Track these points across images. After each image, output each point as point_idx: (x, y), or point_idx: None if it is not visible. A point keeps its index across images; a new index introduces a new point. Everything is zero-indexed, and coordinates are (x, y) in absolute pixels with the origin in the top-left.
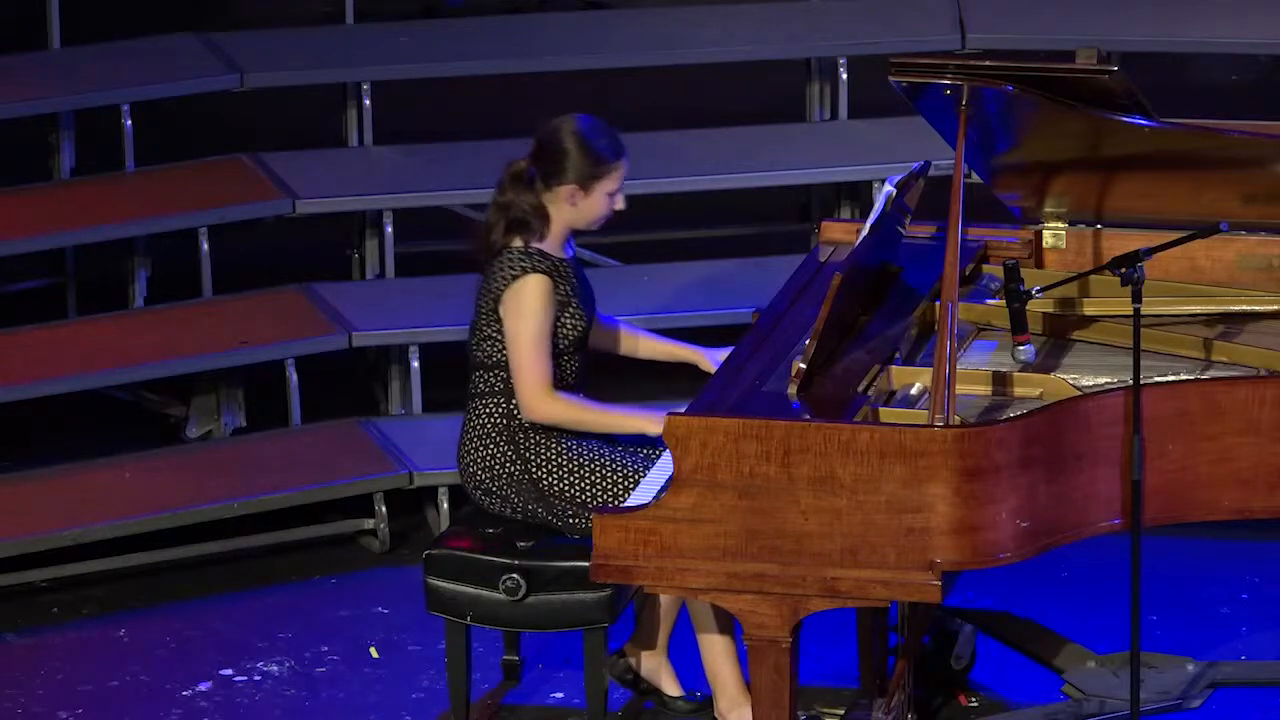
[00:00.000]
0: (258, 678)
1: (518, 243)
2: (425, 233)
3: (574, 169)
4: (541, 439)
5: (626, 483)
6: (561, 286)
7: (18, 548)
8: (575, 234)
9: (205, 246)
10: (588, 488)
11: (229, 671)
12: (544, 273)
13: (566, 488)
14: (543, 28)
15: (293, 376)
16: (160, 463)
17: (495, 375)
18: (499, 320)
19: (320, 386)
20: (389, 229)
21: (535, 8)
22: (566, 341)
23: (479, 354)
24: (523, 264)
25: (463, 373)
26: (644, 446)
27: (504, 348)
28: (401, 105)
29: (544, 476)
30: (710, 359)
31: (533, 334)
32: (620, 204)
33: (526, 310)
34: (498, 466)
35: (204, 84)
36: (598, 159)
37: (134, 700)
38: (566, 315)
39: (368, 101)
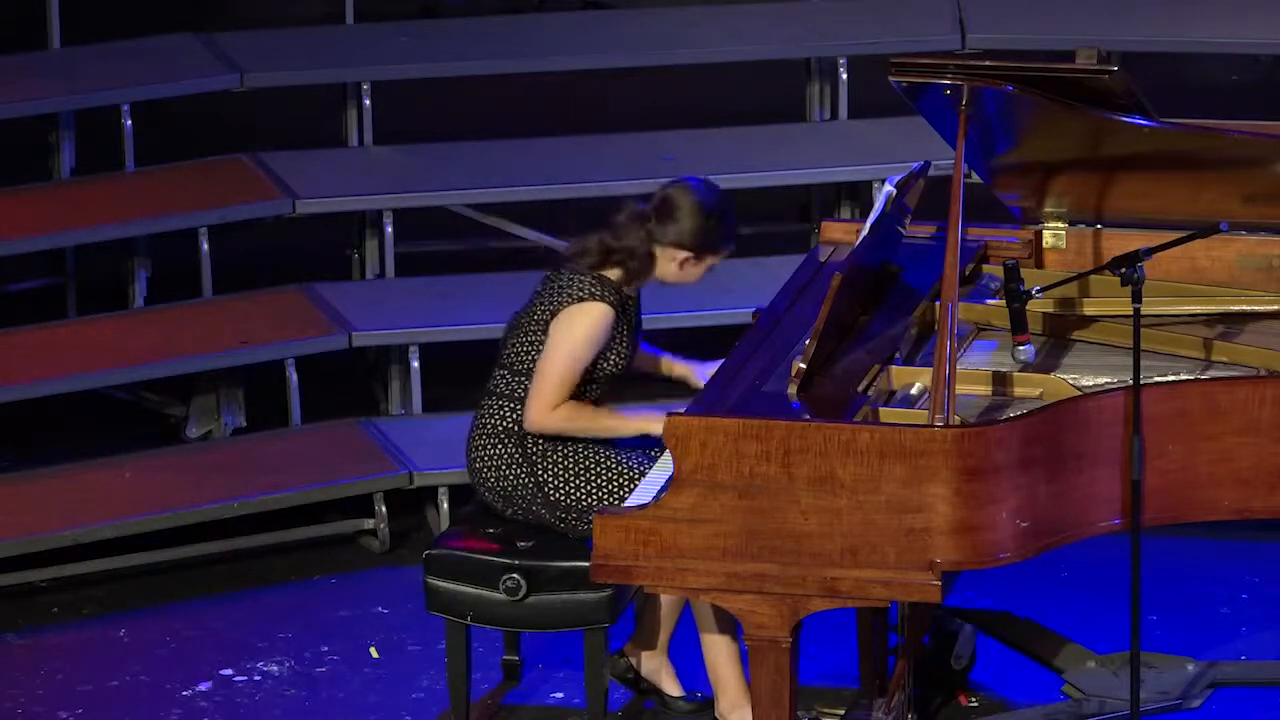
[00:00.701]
0: (258, 678)
1: (608, 273)
2: (425, 233)
3: (694, 241)
4: (549, 445)
5: (631, 486)
6: (620, 324)
7: (18, 548)
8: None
9: (205, 246)
10: (594, 491)
11: (229, 671)
12: (612, 306)
13: (572, 491)
14: (543, 28)
15: (293, 376)
16: (160, 463)
17: (519, 380)
18: (545, 331)
19: (320, 386)
20: (389, 229)
21: (535, 8)
22: (603, 374)
23: (511, 355)
24: (594, 289)
25: (463, 373)
26: (650, 446)
27: (537, 357)
28: (401, 105)
29: (549, 480)
30: (699, 375)
31: (572, 357)
32: (701, 277)
33: (578, 334)
34: (504, 468)
35: (204, 84)
36: (717, 238)
37: (134, 700)
38: (612, 352)
39: (368, 101)
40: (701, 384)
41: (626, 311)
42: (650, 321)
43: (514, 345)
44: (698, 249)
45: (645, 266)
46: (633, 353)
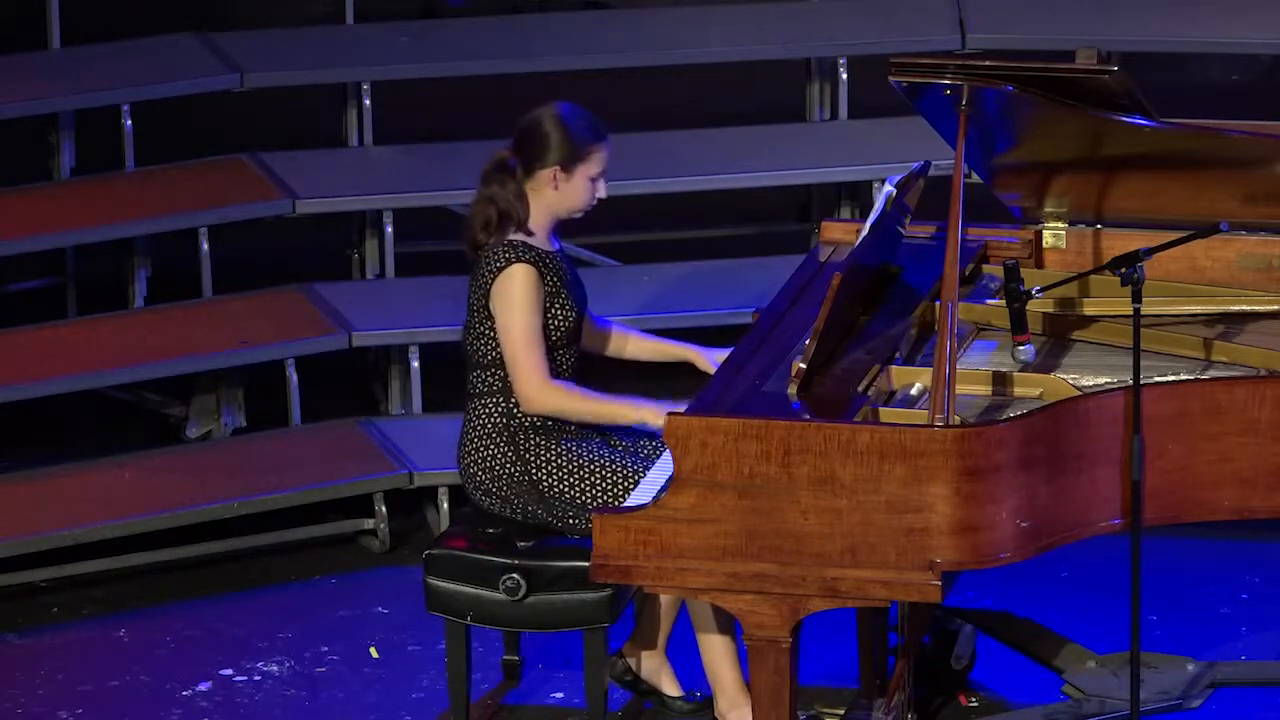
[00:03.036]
0: (258, 678)
1: (512, 237)
2: (425, 233)
3: (555, 151)
4: (542, 440)
5: (626, 483)
6: (549, 277)
7: (18, 548)
8: (563, 226)
9: (205, 246)
10: (587, 489)
11: (229, 671)
12: (529, 263)
13: (566, 489)
14: (543, 28)
15: (293, 376)
16: (160, 463)
17: (492, 374)
18: (490, 316)
19: (320, 386)
20: (389, 229)
21: (535, 8)
22: (559, 333)
23: (474, 353)
24: (508, 255)
25: (463, 372)
26: (644, 440)
27: (498, 345)
28: (401, 105)
29: (544, 478)
30: (708, 358)
31: (524, 325)
32: (602, 191)
33: (516, 301)
34: (498, 467)
35: (204, 84)
36: (579, 141)
37: (134, 700)
38: (556, 307)
39: (368, 101)
40: (711, 367)
41: (550, 265)
42: (651, 321)
43: (470, 342)
44: (562, 161)
45: (524, 206)
46: (580, 308)
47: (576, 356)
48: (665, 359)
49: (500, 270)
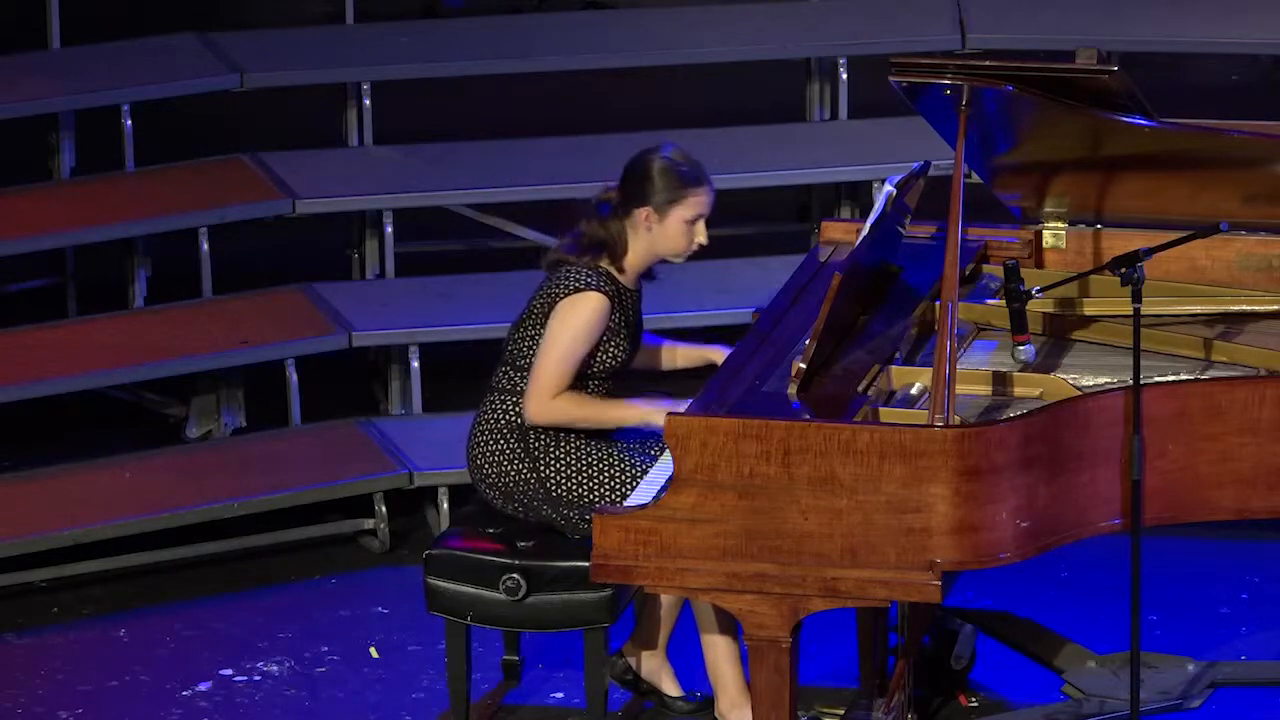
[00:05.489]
0: (258, 678)
1: (602, 264)
2: (425, 233)
3: (650, 192)
4: (551, 440)
5: (634, 484)
6: (617, 315)
7: (18, 548)
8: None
9: (205, 246)
10: (596, 487)
11: (229, 671)
12: (606, 295)
13: (575, 487)
14: (543, 28)
15: (293, 376)
16: (160, 463)
17: (521, 375)
18: (544, 324)
19: (320, 386)
20: (389, 229)
21: (535, 8)
22: (601, 368)
23: (514, 351)
24: (589, 279)
25: (463, 372)
26: (652, 440)
27: (537, 350)
28: (401, 105)
29: (552, 476)
30: (725, 353)
31: (568, 347)
32: (702, 237)
33: (574, 324)
34: (506, 464)
35: (204, 84)
36: (676, 183)
37: (134, 700)
38: (612, 344)
39: (368, 101)
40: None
41: (624, 304)
42: (651, 321)
43: (516, 340)
44: (657, 204)
45: (622, 243)
46: (633, 349)
47: (610, 390)
48: (697, 363)
49: (576, 290)
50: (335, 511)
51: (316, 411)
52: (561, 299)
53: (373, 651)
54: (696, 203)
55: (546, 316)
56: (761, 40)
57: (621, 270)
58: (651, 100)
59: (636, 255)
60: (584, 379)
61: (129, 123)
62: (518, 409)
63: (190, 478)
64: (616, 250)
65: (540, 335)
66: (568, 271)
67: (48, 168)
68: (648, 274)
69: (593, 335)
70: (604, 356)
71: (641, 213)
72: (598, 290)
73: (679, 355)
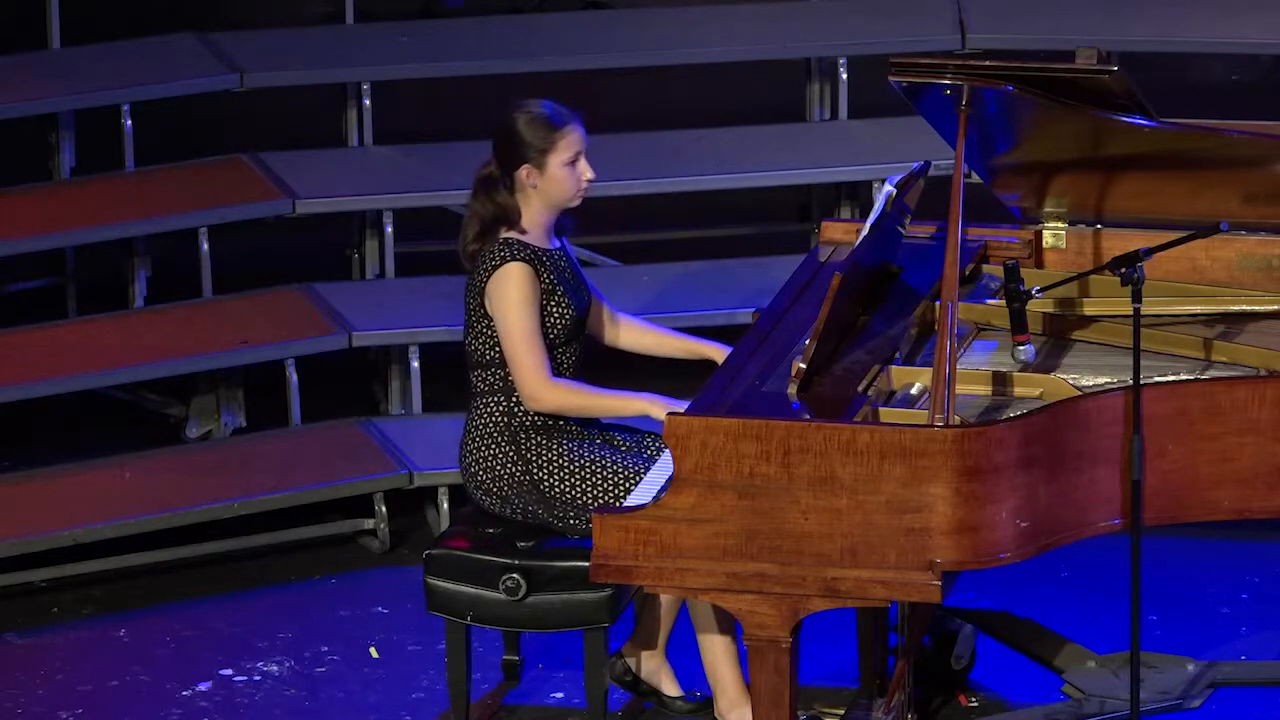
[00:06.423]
0: (258, 678)
1: (505, 235)
2: (425, 233)
3: (521, 149)
4: (543, 440)
5: (628, 483)
6: (544, 274)
7: (18, 548)
8: (566, 220)
9: (205, 246)
10: (588, 489)
11: (229, 671)
12: (524, 260)
13: (567, 489)
14: (543, 28)
15: (293, 376)
16: (160, 463)
17: (493, 374)
18: (488, 316)
19: (320, 386)
20: (389, 229)
21: (535, 8)
22: (556, 331)
23: (474, 353)
24: (502, 254)
25: (463, 372)
26: (649, 438)
27: (498, 344)
28: (401, 105)
29: (545, 478)
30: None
31: (522, 322)
32: (587, 173)
33: (511, 299)
34: (499, 467)
35: (204, 84)
36: (542, 130)
37: (134, 700)
38: (552, 304)
39: (368, 101)
40: None
41: (547, 263)
42: (651, 321)
43: (470, 342)
44: (531, 155)
45: (514, 209)
46: (580, 304)
47: (579, 354)
48: (688, 355)
49: (495, 269)
50: (335, 511)
51: (316, 411)
52: (487, 283)
53: (373, 651)
54: (569, 143)
55: (484, 307)
56: (761, 40)
57: (525, 233)
58: (651, 100)
59: (533, 214)
60: (551, 350)
61: (129, 123)
62: (501, 407)
63: (190, 478)
64: (512, 218)
65: (488, 328)
66: (482, 258)
67: (48, 168)
68: (558, 229)
69: (533, 301)
70: (554, 319)
71: (522, 172)
72: (514, 260)
73: (670, 343)
